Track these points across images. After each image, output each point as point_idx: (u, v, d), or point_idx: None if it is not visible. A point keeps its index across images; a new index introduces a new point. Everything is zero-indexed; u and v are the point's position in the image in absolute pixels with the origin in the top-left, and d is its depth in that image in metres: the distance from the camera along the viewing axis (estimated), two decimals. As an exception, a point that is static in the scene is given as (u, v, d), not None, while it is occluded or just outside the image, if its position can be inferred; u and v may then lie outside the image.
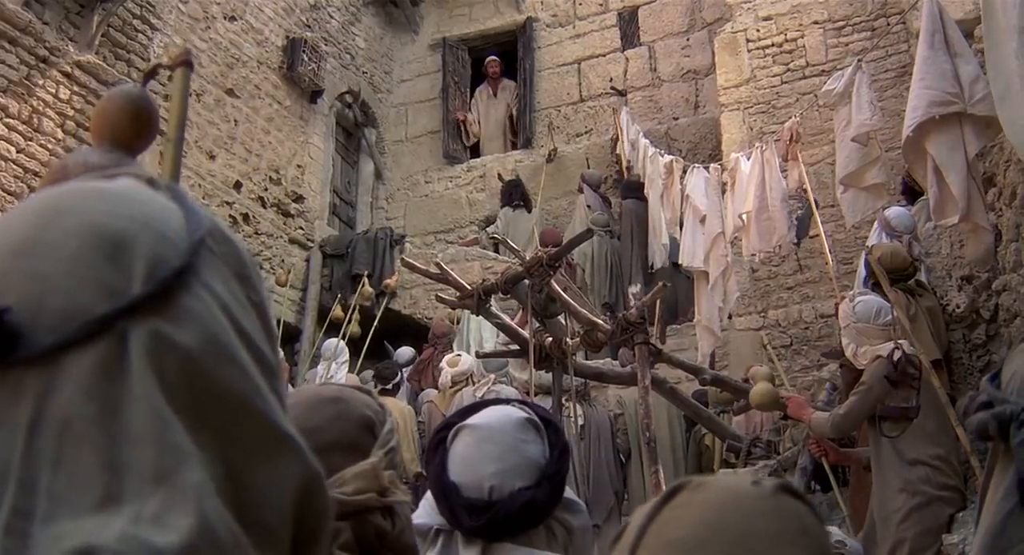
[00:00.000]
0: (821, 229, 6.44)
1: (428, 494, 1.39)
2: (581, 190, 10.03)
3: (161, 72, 1.21)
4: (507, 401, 1.49)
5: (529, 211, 10.32)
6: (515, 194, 10.30)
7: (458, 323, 8.45)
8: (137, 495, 0.52)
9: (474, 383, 6.62)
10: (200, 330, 0.58)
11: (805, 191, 6.63)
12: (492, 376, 6.49)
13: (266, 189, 9.40)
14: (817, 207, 6.63)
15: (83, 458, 0.53)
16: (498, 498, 1.31)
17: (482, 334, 7.84)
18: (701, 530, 0.71)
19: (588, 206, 9.76)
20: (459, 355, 7.08)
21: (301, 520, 0.61)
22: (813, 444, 4.61)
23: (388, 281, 9.22)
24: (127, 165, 1.08)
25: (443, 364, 6.99)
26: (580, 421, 6.01)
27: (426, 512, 1.38)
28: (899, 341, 4.03)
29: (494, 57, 11.53)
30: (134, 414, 0.54)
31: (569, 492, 1.39)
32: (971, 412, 0.89)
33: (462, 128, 11.60)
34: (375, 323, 8.20)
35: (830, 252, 6.37)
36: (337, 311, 8.31)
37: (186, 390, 0.56)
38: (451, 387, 6.74)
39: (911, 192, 6.27)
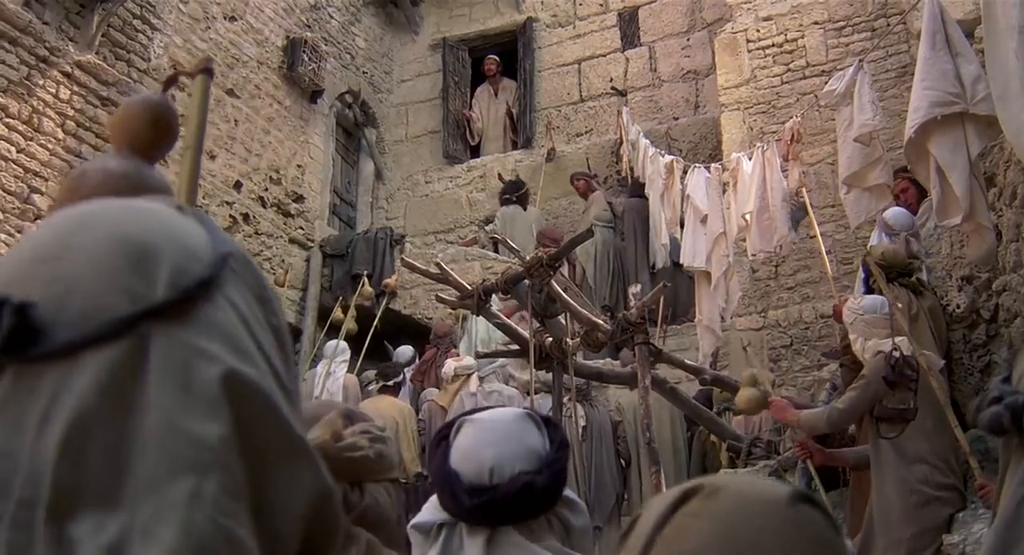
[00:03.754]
0: (817, 230, 6.44)
1: (433, 497, 1.40)
2: (592, 189, 10.01)
3: (180, 79, 1.21)
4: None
5: (524, 208, 10.34)
6: (510, 190, 10.35)
7: (464, 321, 8.44)
8: (133, 500, 0.53)
9: (479, 381, 6.65)
10: (224, 339, 0.59)
11: (800, 196, 6.62)
12: (487, 373, 6.52)
13: (266, 189, 9.40)
14: (813, 209, 6.63)
15: (90, 455, 0.54)
16: (498, 481, 1.33)
17: (490, 334, 7.83)
18: (712, 544, 0.70)
19: (609, 203, 9.78)
20: (464, 355, 7.12)
21: (311, 533, 0.62)
22: (798, 447, 4.57)
23: (388, 281, 9.22)
24: (147, 173, 1.09)
25: (448, 361, 7.03)
26: (582, 422, 6.01)
27: (429, 511, 1.39)
28: (896, 340, 4.02)
29: (492, 56, 11.54)
30: (145, 418, 0.55)
31: (571, 492, 1.40)
32: (983, 408, 0.88)
33: (467, 126, 11.60)
34: (375, 323, 8.20)
35: (829, 253, 6.37)
36: (338, 313, 8.31)
37: (219, 393, 0.57)
38: (452, 381, 6.76)
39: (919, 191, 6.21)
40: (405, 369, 7.68)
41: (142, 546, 0.52)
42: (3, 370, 0.57)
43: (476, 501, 1.31)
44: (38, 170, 6.64)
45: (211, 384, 0.57)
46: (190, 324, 0.58)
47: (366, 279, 9.00)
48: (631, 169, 9.27)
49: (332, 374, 7.27)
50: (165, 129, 1.13)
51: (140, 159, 1.11)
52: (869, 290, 4.73)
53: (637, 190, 9.21)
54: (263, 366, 0.61)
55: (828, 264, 6.31)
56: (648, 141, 8.63)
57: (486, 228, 10.30)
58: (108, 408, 0.55)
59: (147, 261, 0.60)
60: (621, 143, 10.17)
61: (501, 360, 6.51)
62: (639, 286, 5.91)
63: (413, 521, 1.41)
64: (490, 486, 1.32)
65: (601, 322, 5.11)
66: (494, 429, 1.39)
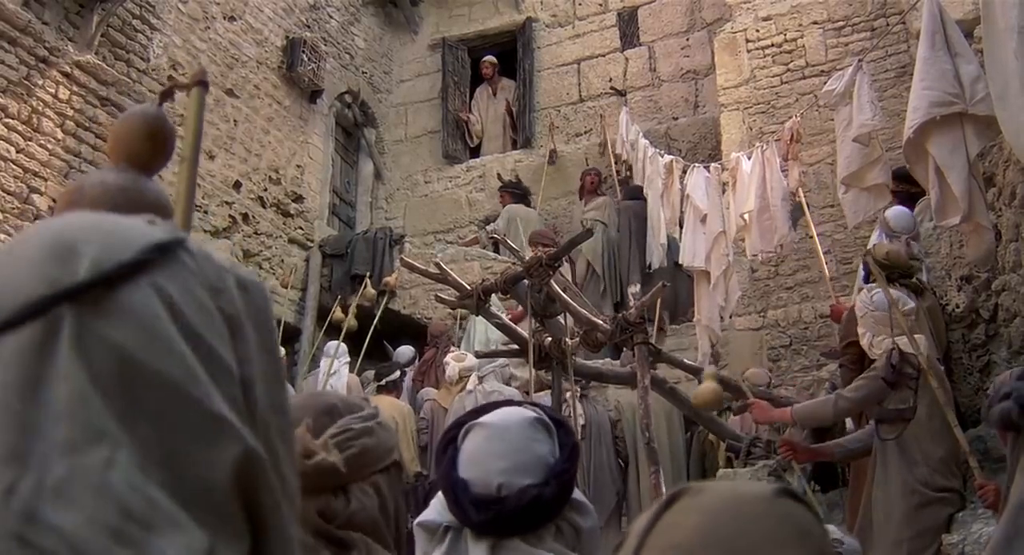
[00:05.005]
0: (814, 231, 6.44)
1: (440, 494, 1.41)
2: (600, 193, 10.03)
3: (177, 92, 1.22)
4: (519, 403, 1.51)
5: (528, 206, 10.39)
6: (515, 187, 10.41)
7: (463, 320, 8.44)
8: (44, 461, 0.57)
9: (479, 380, 6.65)
10: (135, 322, 0.62)
11: (796, 196, 6.63)
12: (487, 372, 6.51)
13: (266, 189, 9.40)
14: (810, 209, 6.63)
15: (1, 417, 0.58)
16: (506, 494, 1.32)
17: (488, 335, 7.83)
18: (700, 535, 0.72)
19: (619, 209, 9.80)
20: (465, 354, 7.11)
21: (250, 495, 0.64)
22: (782, 446, 4.51)
23: (388, 279, 9.21)
24: (145, 185, 1.11)
25: (448, 359, 7.02)
26: (580, 420, 6.01)
27: (436, 510, 1.40)
28: (895, 340, 4.02)
29: (489, 57, 11.54)
30: (55, 390, 0.59)
31: (579, 494, 1.40)
32: (995, 403, 0.90)
33: (465, 128, 11.60)
34: (375, 322, 8.19)
35: (828, 253, 6.37)
36: (337, 313, 8.30)
37: (118, 379, 0.60)
38: (456, 382, 6.77)
39: (909, 196, 6.21)
40: (405, 369, 7.68)
41: (55, 508, 0.55)
42: None
43: (483, 516, 1.32)
44: (37, 170, 6.64)
45: (111, 368, 0.60)
46: (103, 307, 0.62)
47: (368, 281, 9.00)
48: (629, 169, 9.27)
49: (336, 373, 7.26)
50: (162, 142, 1.14)
51: (138, 172, 1.12)
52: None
53: (634, 192, 9.22)
54: (182, 349, 0.63)
55: (825, 265, 6.32)
56: (647, 141, 8.63)
57: (487, 228, 10.30)
58: (19, 379, 0.59)
59: (70, 254, 0.63)
60: (604, 145, 10.21)
61: (502, 359, 6.51)
62: (638, 286, 5.91)
63: (419, 519, 1.41)
64: (497, 499, 1.32)
65: (600, 322, 5.11)
66: (503, 438, 1.38)
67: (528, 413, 1.43)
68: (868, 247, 5.29)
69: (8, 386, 0.59)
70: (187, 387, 0.62)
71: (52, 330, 0.60)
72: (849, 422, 4.91)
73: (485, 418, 1.42)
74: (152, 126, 1.13)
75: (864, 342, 4.26)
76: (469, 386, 6.51)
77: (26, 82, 6.60)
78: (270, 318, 0.73)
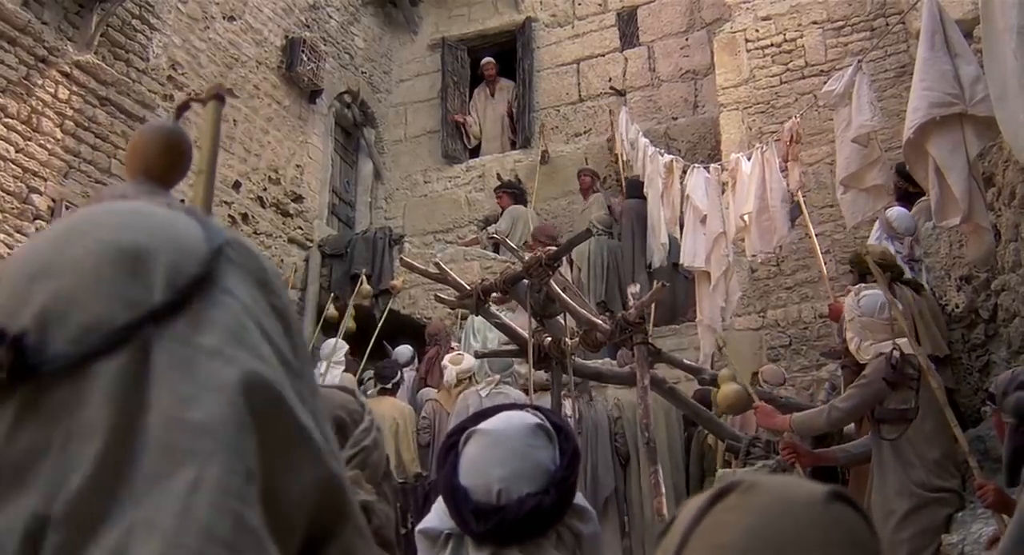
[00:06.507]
0: (812, 231, 6.43)
1: (440, 500, 1.40)
2: (595, 190, 10.06)
3: (192, 106, 1.22)
4: (521, 407, 1.50)
5: (525, 206, 10.44)
6: (514, 187, 10.46)
7: (463, 319, 8.44)
8: (137, 499, 0.54)
9: (477, 382, 6.61)
10: (224, 332, 0.60)
11: (795, 198, 6.63)
12: (496, 376, 6.47)
13: (265, 189, 9.40)
14: (812, 209, 6.62)
15: (94, 462, 0.56)
16: (506, 502, 1.32)
17: (487, 335, 7.82)
18: (749, 537, 0.70)
19: (609, 206, 9.79)
20: (461, 354, 7.08)
21: (317, 522, 0.62)
22: (785, 449, 4.50)
23: (394, 283, 9.19)
24: (162, 199, 1.12)
25: (446, 362, 7.00)
26: (576, 416, 6.00)
27: (437, 517, 1.39)
28: (896, 341, 4.02)
29: (489, 59, 11.55)
30: (150, 420, 0.56)
31: (580, 498, 1.39)
32: (1010, 392, 0.89)
33: (463, 131, 11.60)
34: (379, 325, 8.18)
35: (827, 253, 6.37)
36: (331, 311, 8.29)
37: (219, 384, 0.58)
38: (456, 385, 6.74)
39: (906, 195, 6.22)
40: (404, 369, 7.68)
41: (143, 543, 0.53)
42: (14, 392, 0.58)
43: (483, 526, 1.31)
44: (37, 170, 6.64)
45: (217, 376, 0.58)
46: (190, 323, 0.60)
47: (364, 278, 8.99)
48: (629, 168, 9.26)
49: (329, 374, 7.26)
50: (179, 155, 1.15)
51: (155, 185, 1.13)
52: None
53: (636, 191, 9.22)
54: (269, 355, 0.62)
55: (823, 265, 6.32)
56: (647, 141, 8.63)
57: (489, 229, 10.31)
58: (115, 415, 0.56)
59: (142, 266, 0.61)
60: (612, 141, 10.20)
61: (515, 366, 6.49)
62: (638, 286, 5.89)
63: (420, 526, 1.41)
64: (497, 508, 1.32)
65: (600, 322, 5.11)
66: (504, 445, 1.37)
67: (529, 419, 1.42)
68: (866, 246, 5.28)
69: (105, 419, 0.56)
70: (283, 397, 0.60)
71: (143, 354, 0.58)
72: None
73: (486, 424, 1.41)
74: (169, 140, 1.14)
75: (852, 346, 4.27)
76: (484, 392, 6.43)
77: (26, 82, 6.60)
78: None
